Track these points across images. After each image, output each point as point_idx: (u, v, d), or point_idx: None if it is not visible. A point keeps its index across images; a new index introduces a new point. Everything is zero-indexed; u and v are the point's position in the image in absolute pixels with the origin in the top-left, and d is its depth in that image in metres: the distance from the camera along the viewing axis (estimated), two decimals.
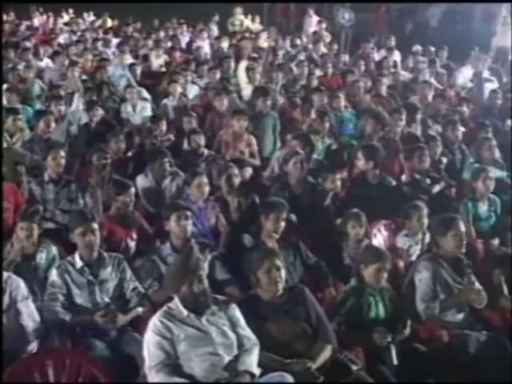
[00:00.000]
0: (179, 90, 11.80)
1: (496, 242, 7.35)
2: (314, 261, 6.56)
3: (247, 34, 19.07)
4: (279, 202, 6.73)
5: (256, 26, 22.35)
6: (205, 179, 7.38)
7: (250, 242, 6.67)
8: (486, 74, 13.67)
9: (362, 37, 17.66)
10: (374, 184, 7.91)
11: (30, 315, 5.39)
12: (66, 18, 23.42)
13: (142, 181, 8.10)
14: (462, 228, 6.14)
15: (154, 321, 4.90)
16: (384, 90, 12.10)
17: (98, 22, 22.02)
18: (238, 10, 22.11)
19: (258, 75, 12.32)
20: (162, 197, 7.99)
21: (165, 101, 11.60)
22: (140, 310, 5.76)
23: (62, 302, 5.61)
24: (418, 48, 16.60)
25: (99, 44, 17.22)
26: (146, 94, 12.13)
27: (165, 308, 4.98)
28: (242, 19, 22.06)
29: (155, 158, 8.18)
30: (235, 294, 5.97)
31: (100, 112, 10.14)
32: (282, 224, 6.51)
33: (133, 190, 7.15)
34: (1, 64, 12.78)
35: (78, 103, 11.00)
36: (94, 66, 14.06)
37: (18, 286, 5.44)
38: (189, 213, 6.40)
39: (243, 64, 13.55)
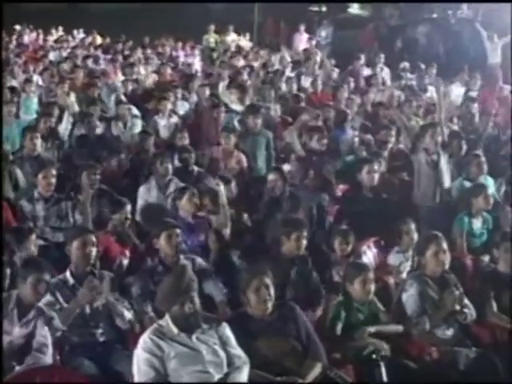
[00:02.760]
0: (169, 107, 11.82)
1: (486, 258, 7.38)
2: (315, 284, 6.54)
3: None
4: (300, 221, 6.76)
5: (246, 43, 22.42)
6: (194, 195, 7.40)
7: (240, 259, 6.69)
8: (474, 93, 13.77)
9: (351, 54, 17.71)
10: (369, 198, 7.95)
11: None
12: (55, 35, 23.44)
13: (144, 191, 8.16)
14: (444, 246, 6.15)
15: (145, 338, 4.89)
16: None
17: (89, 39, 22.05)
18: (212, 27, 22.23)
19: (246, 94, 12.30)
20: (161, 212, 7.97)
21: (155, 118, 11.61)
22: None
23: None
24: (405, 65, 16.67)
25: (89, 61, 17.23)
26: (136, 111, 12.14)
27: (155, 326, 4.98)
28: (216, 37, 22.15)
29: (156, 159, 8.30)
30: (226, 311, 5.98)
31: (99, 124, 10.16)
32: (304, 242, 6.49)
33: (128, 207, 7.19)
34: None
35: (67, 120, 11.00)
36: (85, 83, 14.05)
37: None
38: (178, 230, 6.40)
39: (222, 84, 13.60)
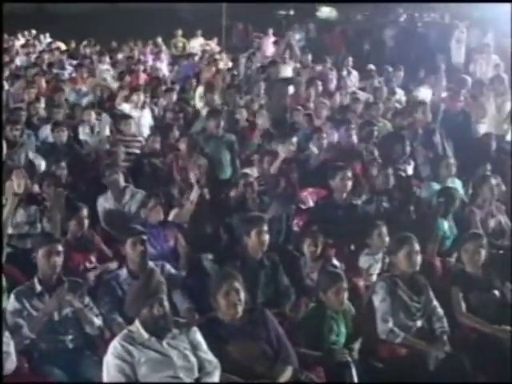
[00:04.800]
0: (142, 98, 12.08)
1: (453, 259, 7.43)
2: (285, 286, 6.53)
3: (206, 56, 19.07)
4: (258, 216, 6.73)
5: (213, 47, 22.39)
6: (160, 201, 7.40)
7: (210, 262, 6.67)
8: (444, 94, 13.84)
9: (319, 57, 17.77)
10: (342, 205, 7.97)
11: None
12: (22, 40, 23.22)
13: (102, 201, 8.10)
14: (416, 247, 6.20)
15: (114, 344, 4.87)
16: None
17: (55, 44, 21.87)
18: (180, 32, 22.20)
19: (215, 97, 12.29)
20: (123, 218, 7.96)
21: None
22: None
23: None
24: (371, 67, 16.74)
25: (55, 66, 17.11)
26: (104, 116, 12.08)
27: (125, 331, 4.97)
28: (184, 41, 22.11)
29: (107, 172, 8.25)
30: (195, 316, 5.97)
31: (66, 133, 10.09)
32: (266, 237, 6.47)
33: (84, 211, 7.06)
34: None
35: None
36: (51, 88, 13.95)
37: None
38: (145, 237, 6.34)
39: (200, 89, 13.57)
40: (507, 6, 17.03)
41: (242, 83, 14.98)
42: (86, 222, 7.08)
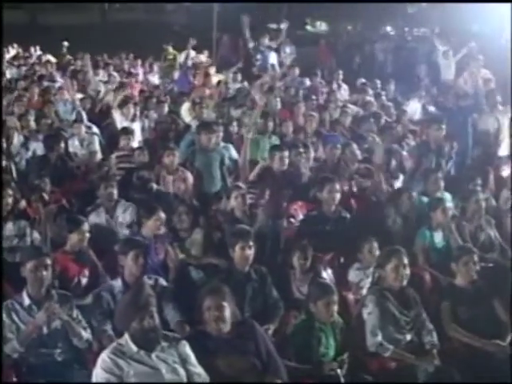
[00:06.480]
0: (132, 111, 12.08)
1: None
2: (274, 299, 6.52)
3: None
4: (244, 230, 6.72)
5: (204, 59, 22.39)
6: (162, 215, 7.41)
7: (199, 274, 6.68)
8: (432, 108, 13.90)
9: (306, 70, 17.83)
10: (331, 217, 7.97)
11: None
12: (12, 52, 23.20)
13: (93, 217, 8.09)
14: (405, 260, 6.21)
15: (103, 357, 4.86)
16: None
17: (45, 57, 21.85)
18: (170, 44, 22.21)
19: (204, 110, 12.26)
20: (112, 233, 7.96)
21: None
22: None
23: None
24: (361, 81, 16.80)
25: (45, 79, 17.10)
26: (94, 129, 12.08)
27: (114, 344, 4.96)
28: (175, 53, 22.10)
29: (101, 183, 8.27)
30: (185, 329, 5.94)
31: (56, 146, 10.08)
32: (250, 252, 6.46)
33: (86, 226, 7.07)
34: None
35: (18, 139, 10.91)
36: (41, 101, 13.94)
37: None
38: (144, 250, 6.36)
39: (186, 105, 13.55)
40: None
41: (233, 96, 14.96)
42: (87, 235, 7.07)
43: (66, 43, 21.66)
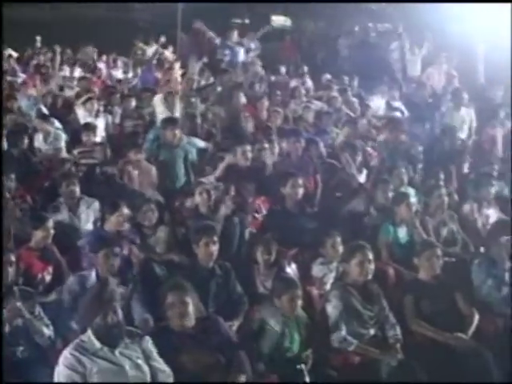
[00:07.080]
0: (96, 107, 12.04)
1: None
2: (238, 294, 6.53)
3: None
4: (208, 226, 6.73)
5: (169, 54, 22.29)
6: (125, 210, 7.39)
7: (163, 271, 6.66)
8: (398, 103, 13.99)
9: (270, 66, 17.82)
10: (294, 212, 7.97)
11: None
12: None
13: (56, 214, 8.01)
14: (369, 255, 6.25)
15: (66, 354, 4.83)
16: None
17: (7, 52, 21.58)
18: (138, 40, 22.09)
19: (176, 101, 12.21)
20: (75, 230, 7.91)
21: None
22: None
23: None
24: (326, 77, 16.84)
25: (7, 74, 16.90)
26: (58, 124, 11.96)
27: (77, 341, 4.93)
28: (144, 48, 21.99)
29: (63, 180, 8.20)
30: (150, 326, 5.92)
31: (20, 141, 9.98)
32: (214, 248, 6.47)
33: (50, 223, 7.03)
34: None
35: None
36: (4, 96, 13.74)
37: None
38: (117, 249, 6.38)
39: (158, 96, 13.46)
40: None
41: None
42: (52, 232, 7.02)
43: (38, 38, 21.39)
